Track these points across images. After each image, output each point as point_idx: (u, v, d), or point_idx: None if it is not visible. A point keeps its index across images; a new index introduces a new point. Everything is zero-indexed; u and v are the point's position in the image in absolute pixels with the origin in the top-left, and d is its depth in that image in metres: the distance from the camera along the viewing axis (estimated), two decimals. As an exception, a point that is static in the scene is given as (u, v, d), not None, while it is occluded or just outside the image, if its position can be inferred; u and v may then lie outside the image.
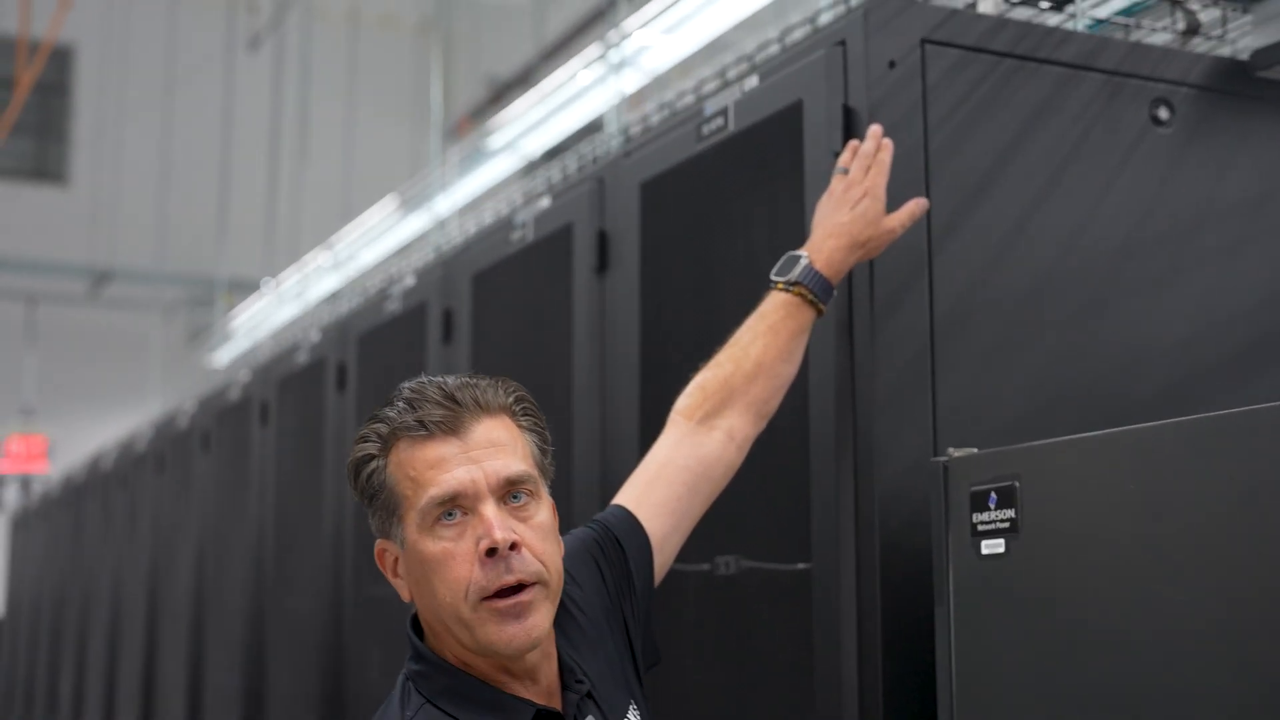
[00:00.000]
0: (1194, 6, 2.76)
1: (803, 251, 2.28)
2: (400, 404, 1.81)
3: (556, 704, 1.84)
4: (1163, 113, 2.54)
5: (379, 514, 1.83)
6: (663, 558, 2.12)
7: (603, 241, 3.05)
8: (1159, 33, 2.73)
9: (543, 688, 1.84)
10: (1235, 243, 2.57)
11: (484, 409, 1.81)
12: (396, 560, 1.84)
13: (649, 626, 2.09)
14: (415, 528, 1.77)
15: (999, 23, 2.44)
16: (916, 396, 2.30)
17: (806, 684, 2.35)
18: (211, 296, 14.27)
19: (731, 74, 3.05)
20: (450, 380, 1.82)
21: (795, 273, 2.25)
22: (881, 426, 2.27)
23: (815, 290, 2.24)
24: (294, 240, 12.48)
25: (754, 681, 2.49)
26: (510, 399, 1.84)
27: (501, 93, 13.84)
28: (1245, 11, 2.73)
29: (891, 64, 2.35)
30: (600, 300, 3.05)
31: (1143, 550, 1.82)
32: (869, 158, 2.28)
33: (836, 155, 2.34)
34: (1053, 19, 2.61)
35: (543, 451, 1.87)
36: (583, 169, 3.41)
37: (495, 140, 7.24)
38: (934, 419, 2.30)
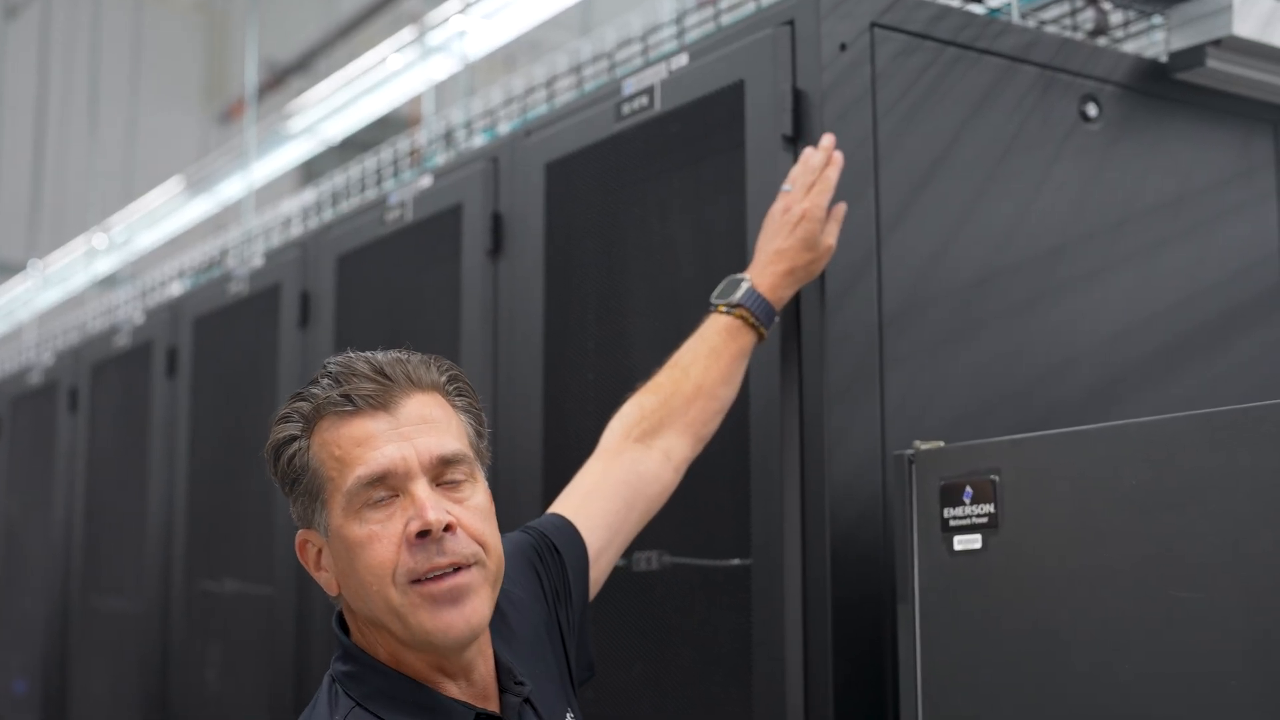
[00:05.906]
0: (1106, 6, 2.77)
1: (745, 275, 2.22)
2: (325, 380, 1.68)
3: (493, 706, 1.73)
4: (1091, 109, 2.53)
5: (301, 500, 1.69)
6: (597, 571, 2.03)
7: (497, 223, 2.92)
8: (1065, 29, 2.73)
9: (478, 689, 1.72)
10: (1156, 242, 2.58)
11: (416, 385, 1.69)
12: (320, 552, 1.71)
13: (585, 640, 2.00)
14: (341, 512, 1.64)
15: (943, 10, 2.40)
16: (866, 391, 2.24)
17: (743, 682, 2.27)
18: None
19: (633, 53, 2.97)
20: (380, 355, 1.70)
21: (737, 295, 2.20)
22: (833, 420, 2.20)
23: (757, 314, 2.19)
24: (64, 221, 11.84)
25: (681, 681, 2.40)
26: (444, 377, 1.73)
27: (281, 77, 13.41)
28: (1151, 15, 2.75)
29: (843, 46, 2.28)
30: (494, 284, 2.91)
31: (1140, 548, 1.79)
32: (815, 173, 2.20)
33: (786, 138, 2.27)
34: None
35: (479, 434, 1.76)
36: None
37: (295, 124, 7.01)
38: (882, 414, 2.25)
